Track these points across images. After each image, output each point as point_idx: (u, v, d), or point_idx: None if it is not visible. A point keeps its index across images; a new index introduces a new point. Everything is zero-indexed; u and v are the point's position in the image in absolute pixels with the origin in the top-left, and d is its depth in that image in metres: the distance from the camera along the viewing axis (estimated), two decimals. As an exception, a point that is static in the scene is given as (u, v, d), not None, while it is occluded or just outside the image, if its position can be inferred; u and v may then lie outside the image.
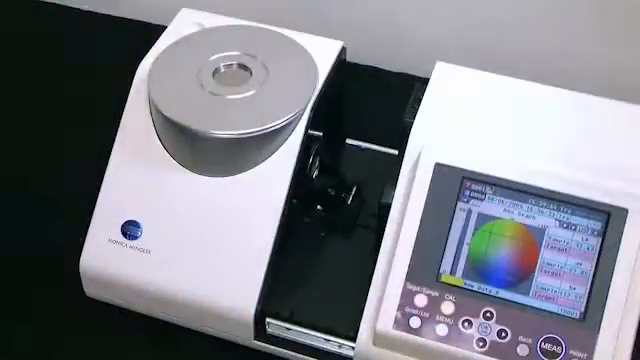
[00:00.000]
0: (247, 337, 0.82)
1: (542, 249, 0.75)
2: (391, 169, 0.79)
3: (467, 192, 0.76)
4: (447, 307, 0.75)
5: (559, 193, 0.74)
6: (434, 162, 0.76)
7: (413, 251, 0.75)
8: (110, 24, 1.20)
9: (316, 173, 0.88)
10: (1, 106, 1.07)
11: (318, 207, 0.88)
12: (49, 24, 1.20)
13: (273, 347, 0.82)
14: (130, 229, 0.82)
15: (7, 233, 0.93)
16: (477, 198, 0.76)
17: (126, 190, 0.83)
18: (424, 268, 0.75)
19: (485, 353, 0.73)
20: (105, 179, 0.83)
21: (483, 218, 0.75)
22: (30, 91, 1.10)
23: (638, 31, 1.02)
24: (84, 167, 0.86)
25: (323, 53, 0.86)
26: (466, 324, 0.74)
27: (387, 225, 0.78)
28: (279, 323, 0.81)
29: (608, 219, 0.73)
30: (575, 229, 0.74)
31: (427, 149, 0.77)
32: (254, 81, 0.83)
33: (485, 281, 0.75)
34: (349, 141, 0.97)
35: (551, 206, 0.75)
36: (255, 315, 0.80)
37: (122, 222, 0.82)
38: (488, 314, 0.74)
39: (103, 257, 0.82)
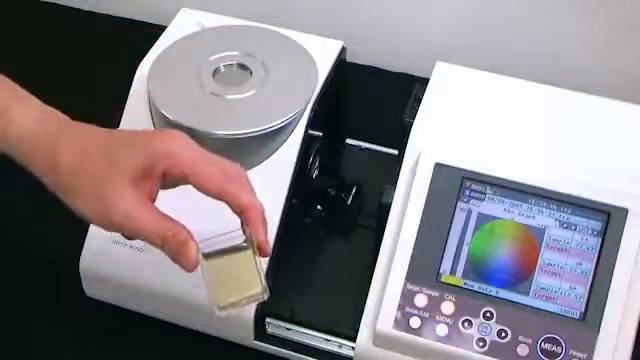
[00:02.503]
0: (247, 337, 0.82)
1: (542, 249, 0.75)
2: (391, 169, 0.79)
3: (467, 192, 0.76)
4: (447, 307, 0.75)
5: (559, 193, 0.74)
6: (434, 162, 0.76)
7: (413, 251, 0.75)
8: (110, 24, 1.20)
9: (316, 173, 0.88)
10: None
11: (318, 207, 0.88)
12: (49, 24, 1.20)
13: (273, 347, 0.82)
14: (130, 229, 0.81)
15: (7, 233, 0.93)
16: (477, 198, 0.76)
17: (126, 190, 0.82)
18: (424, 268, 0.75)
19: (485, 353, 0.73)
20: (105, 179, 0.83)
21: (483, 218, 0.75)
22: (30, 91, 1.10)
23: (638, 31, 1.02)
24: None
25: (323, 53, 0.86)
26: (466, 324, 0.74)
27: (387, 225, 0.78)
28: (279, 323, 0.81)
29: (608, 219, 0.73)
30: (575, 229, 0.74)
31: (427, 149, 0.77)
32: (254, 81, 0.83)
33: (485, 281, 0.75)
34: (349, 141, 0.97)
35: (551, 206, 0.75)
36: (255, 315, 0.80)
37: (122, 222, 0.82)
38: (488, 314, 0.74)
39: (103, 257, 0.82)
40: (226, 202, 0.66)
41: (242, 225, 0.67)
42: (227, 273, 0.66)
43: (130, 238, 0.69)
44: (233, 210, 0.67)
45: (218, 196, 0.66)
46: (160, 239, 0.65)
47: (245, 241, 0.66)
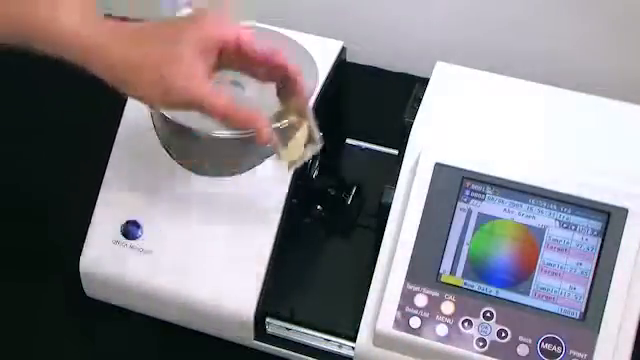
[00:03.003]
0: (247, 337, 0.82)
1: (542, 249, 0.75)
2: (391, 169, 0.79)
3: (467, 192, 0.76)
4: (447, 307, 0.75)
5: (559, 193, 0.74)
6: (434, 162, 0.76)
7: (413, 251, 0.75)
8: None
9: (316, 173, 0.88)
10: (1, 106, 1.07)
11: (318, 207, 0.88)
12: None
13: (273, 347, 0.82)
14: (130, 229, 0.81)
15: (8, 233, 0.93)
16: (477, 198, 0.76)
17: (126, 190, 0.83)
18: (424, 268, 0.75)
19: (485, 353, 0.73)
20: (105, 179, 0.83)
21: (483, 218, 0.75)
22: (30, 91, 1.10)
23: (637, 31, 1.02)
24: (84, 167, 0.86)
25: (323, 53, 0.86)
26: (466, 324, 0.74)
27: (387, 225, 0.78)
28: (279, 323, 0.81)
29: (608, 219, 0.73)
30: (575, 229, 0.74)
31: (427, 149, 0.77)
32: (254, 81, 0.83)
33: (485, 281, 0.75)
34: (349, 141, 0.97)
35: (551, 206, 0.75)
36: (255, 315, 0.80)
37: (122, 222, 0.82)
38: (488, 314, 0.74)
39: (103, 257, 0.82)
40: (274, 67, 0.73)
41: (279, 94, 0.74)
42: (285, 135, 0.74)
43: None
44: (284, 76, 0.73)
45: (270, 60, 0.72)
46: (223, 113, 0.69)
47: (285, 109, 0.75)
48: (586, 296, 0.73)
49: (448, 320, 0.74)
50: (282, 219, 0.80)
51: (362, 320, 0.77)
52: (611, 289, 0.73)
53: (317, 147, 0.76)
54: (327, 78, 0.84)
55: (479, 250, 0.75)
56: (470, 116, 0.79)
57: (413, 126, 0.79)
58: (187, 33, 0.69)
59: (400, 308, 0.75)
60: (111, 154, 0.84)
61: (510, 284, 0.75)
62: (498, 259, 0.75)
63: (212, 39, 0.70)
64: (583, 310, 0.73)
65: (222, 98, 0.69)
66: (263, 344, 0.82)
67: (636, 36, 1.02)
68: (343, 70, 0.89)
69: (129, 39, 0.70)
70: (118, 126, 0.84)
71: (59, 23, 0.70)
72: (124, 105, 0.85)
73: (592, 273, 0.73)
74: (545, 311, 0.74)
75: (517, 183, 0.75)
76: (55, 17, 0.70)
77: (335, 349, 0.81)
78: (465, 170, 0.76)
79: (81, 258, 0.83)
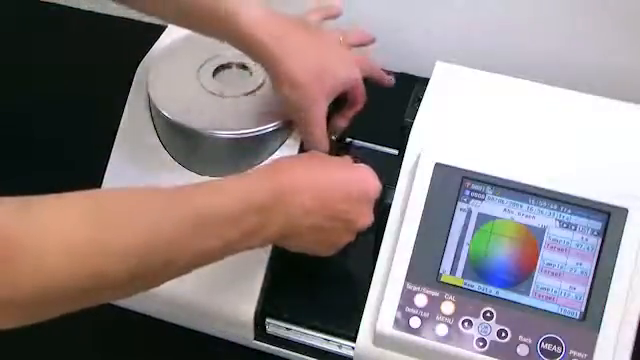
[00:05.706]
0: (247, 337, 0.82)
1: (542, 249, 0.75)
2: (391, 169, 0.79)
3: (467, 192, 0.76)
4: (447, 307, 0.75)
5: (559, 193, 0.74)
6: (434, 162, 0.76)
7: (413, 251, 0.75)
8: (110, 24, 1.20)
9: (316, 173, 0.88)
10: (1, 106, 1.07)
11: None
12: (49, 24, 1.20)
13: (273, 347, 0.82)
14: (130, 229, 0.81)
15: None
16: (477, 198, 0.76)
17: (126, 190, 0.82)
18: (424, 268, 0.75)
19: (485, 353, 0.73)
20: (105, 179, 0.83)
21: (483, 218, 0.75)
22: (30, 91, 1.10)
23: (637, 31, 1.02)
24: (84, 167, 0.86)
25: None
26: (466, 324, 0.74)
27: (387, 225, 0.78)
28: (279, 323, 0.81)
29: (608, 219, 0.73)
30: (575, 229, 0.74)
31: (427, 149, 0.77)
32: (254, 81, 0.83)
33: (485, 281, 0.75)
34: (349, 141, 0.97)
35: (551, 206, 0.75)
36: (255, 315, 0.80)
37: (122, 222, 0.82)
38: (488, 314, 0.74)
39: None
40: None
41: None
42: None
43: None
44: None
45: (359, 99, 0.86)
46: (318, 145, 0.80)
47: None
48: (586, 296, 0.73)
49: (448, 320, 0.74)
50: (282, 219, 0.80)
51: (362, 320, 0.77)
52: (611, 289, 0.73)
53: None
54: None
55: (479, 250, 0.75)
56: (470, 116, 0.79)
57: (413, 126, 0.79)
58: (335, 80, 0.79)
59: (400, 308, 0.75)
60: (111, 154, 0.84)
61: (510, 284, 0.75)
62: (498, 259, 0.75)
63: (341, 89, 0.81)
64: (583, 310, 0.73)
65: (325, 137, 0.80)
66: (263, 344, 0.82)
67: (636, 36, 1.02)
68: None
69: (294, 53, 0.76)
70: (118, 126, 0.84)
71: (235, 17, 0.74)
72: (124, 105, 0.85)
73: (592, 273, 0.73)
74: (545, 311, 0.74)
75: (517, 183, 0.75)
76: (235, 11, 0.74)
77: (335, 349, 0.81)
78: (465, 170, 0.76)
79: (81, 258, 0.83)
